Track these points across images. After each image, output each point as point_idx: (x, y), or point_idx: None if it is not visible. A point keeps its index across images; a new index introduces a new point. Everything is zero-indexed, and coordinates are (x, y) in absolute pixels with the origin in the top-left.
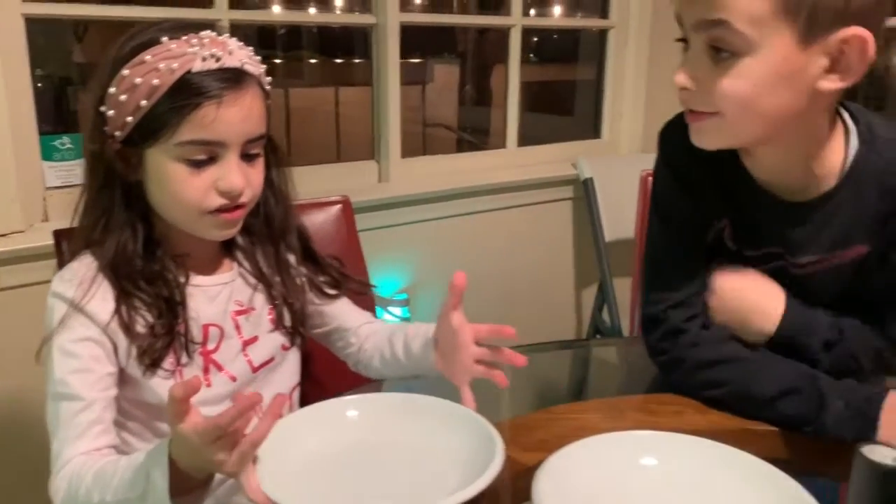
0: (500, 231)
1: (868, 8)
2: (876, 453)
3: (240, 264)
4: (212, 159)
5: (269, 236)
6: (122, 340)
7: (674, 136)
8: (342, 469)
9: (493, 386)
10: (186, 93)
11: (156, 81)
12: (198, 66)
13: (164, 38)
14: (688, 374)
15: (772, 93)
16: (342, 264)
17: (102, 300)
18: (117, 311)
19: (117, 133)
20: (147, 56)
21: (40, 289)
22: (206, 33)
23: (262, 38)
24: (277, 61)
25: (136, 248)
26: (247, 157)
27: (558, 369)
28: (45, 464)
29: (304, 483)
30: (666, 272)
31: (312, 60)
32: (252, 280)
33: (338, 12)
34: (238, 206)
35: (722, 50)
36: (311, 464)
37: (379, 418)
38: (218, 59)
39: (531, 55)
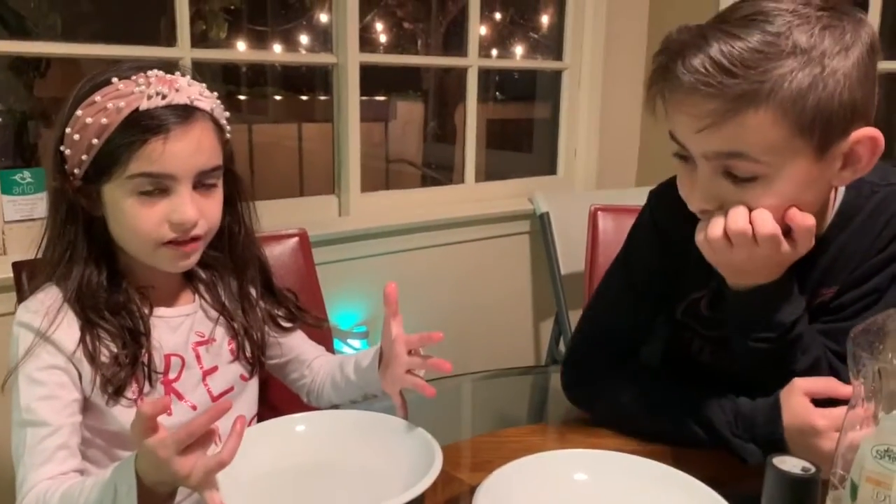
0: (458, 264)
1: (869, 105)
2: (786, 463)
3: (201, 296)
4: (164, 192)
5: (232, 269)
6: (86, 369)
7: (666, 201)
8: (292, 480)
9: (457, 409)
10: (134, 130)
11: (104, 120)
12: (145, 104)
13: (114, 79)
14: (600, 409)
15: (795, 200)
16: (298, 298)
17: (68, 329)
18: (82, 340)
19: (76, 171)
20: (97, 97)
21: None
22: (154, 72)
23: (226, 75)
24: (241, 97)
25: (100, 281)
26: (202, 190)
27: (519, 394)
28: (7, 493)
29: (258, 493)
30: (610, 312)
31: (277, 97)
32: (213, 313)
33: (302, 51)
34: (194, 239)
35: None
36: (264, 475)
37: (326, 433)
38: (164, 97)
39: (496, 94)
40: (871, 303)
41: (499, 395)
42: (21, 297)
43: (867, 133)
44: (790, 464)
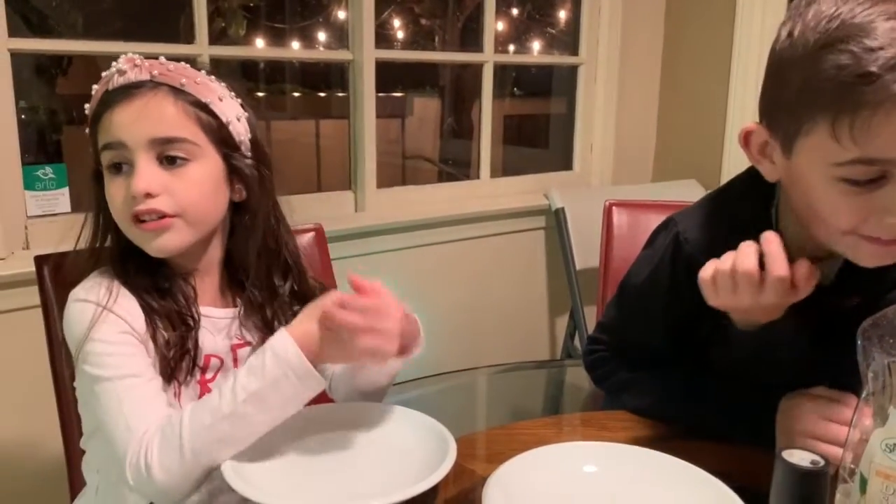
0: (473, 260)
1: None
2: (795, 456)
3: (244, 299)
4: (126, 166)
5: (266, 274)
6: (151, 348)
7: (702, 241)
8: (306, 469)
9: (472, 402)
10: (97, 110)
11: (88, 107)
12: (111, 85)
13: (104, 73)
14: (615, 394)
15: None
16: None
17: (129, 308)
18: (145, 318)
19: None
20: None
21: (20, 315)
22: (124, 55)
23: (245, 72)
24: (260, 94)
25: (145, 267)
26: (167, 165)
27: (533, 388)
28: (18, 484)
29: (268, 483)
30: (630, 318)
31: (294, 94)
32: (255, 318)
33: (319, 48)
34: (160, 217)
35: None
36: (276, 465)
37: (340, 424)
38: (123, 74)
39: (513, 89)
40: None
41: (513, 388)
42: (44, 291)
43: None
44: (799, 457)
